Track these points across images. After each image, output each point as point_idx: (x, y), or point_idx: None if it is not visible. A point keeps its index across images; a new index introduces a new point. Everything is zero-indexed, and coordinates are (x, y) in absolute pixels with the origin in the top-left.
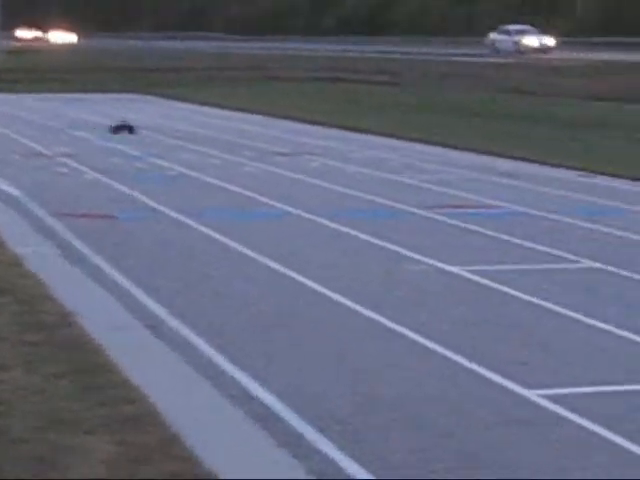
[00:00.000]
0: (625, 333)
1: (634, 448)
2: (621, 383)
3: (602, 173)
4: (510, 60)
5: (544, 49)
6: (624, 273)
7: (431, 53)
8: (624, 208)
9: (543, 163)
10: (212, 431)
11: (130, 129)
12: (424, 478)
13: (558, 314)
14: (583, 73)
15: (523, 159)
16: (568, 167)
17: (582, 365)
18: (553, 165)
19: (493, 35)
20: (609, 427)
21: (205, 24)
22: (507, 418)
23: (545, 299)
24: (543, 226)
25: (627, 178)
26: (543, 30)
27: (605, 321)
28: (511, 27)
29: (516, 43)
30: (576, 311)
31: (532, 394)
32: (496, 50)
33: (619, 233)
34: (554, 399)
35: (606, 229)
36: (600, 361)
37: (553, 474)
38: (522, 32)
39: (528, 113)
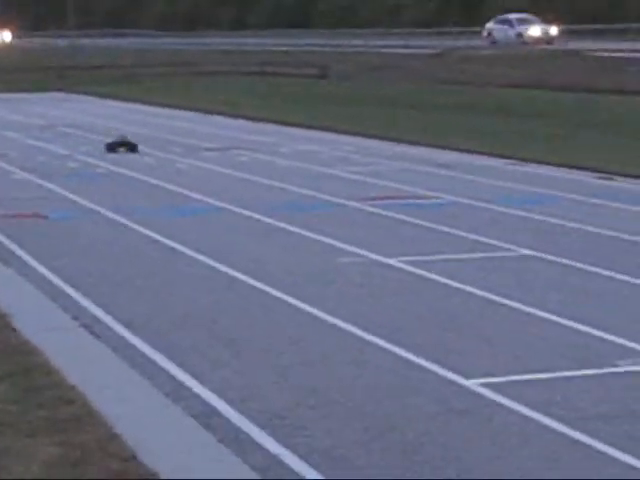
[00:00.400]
0: (562, 320)
1: (572, 433)
2: (558, 370)
3: (535, 161)
4: (441, 51)
5: (548, 39)
6: (560, 261)
7: (361, 45)
8: (559, 196)
9: (477, 153)
10: (152, 429)
11: (131, 147)
12: (368, 470)
13: (495, 303)
14: (510, 62)
15: (455, 149)
16: (501, 156)
17: (520, 353)
18: (486, 154)
19: (490, 25)
20: (547, 413)
21: (134, 21)
22: (448, 408)
23: (482, 288)
24: (478, 216)
25: (559, 166)
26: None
27: (542, 309)
28: (512, 16)
29: (520, 34)
30: (513, 299)
31: (472, 383)
32: (493, 41)
33: (554, 221)
34: (493, 388)
35: (541, 217)
36: (537, 348)
37: (494, 462)
38: (525, 21)
39: (460, 103)
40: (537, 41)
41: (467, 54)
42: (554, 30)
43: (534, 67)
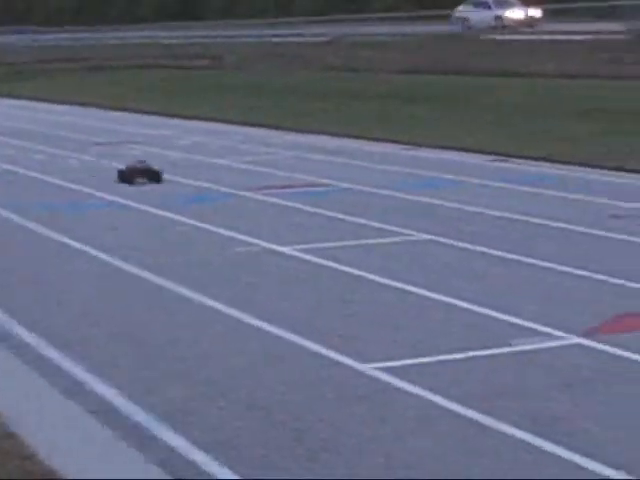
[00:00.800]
0: (460, 303)
1: (470, 413)
2: (455, 351)
3: (430, 146)
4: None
5: (531, 22)
6: (460, 245)
7: (253, 35)
8: (455, 179)
9: (371, 139)
10: (50, 427)
11: (153, 176)
12: (266, 458)
13: (391, 287)
14: (399, 47)
15: (348, 136)
16: (395, 141)
17: (418, 336)
18: (380, 140)
19: (463, 9)
20: (445, 395)
21: (23, 17)
22: (345, 393)
23: (380, 274)
24: (375, 202)
25: (455, 149)
26: None
27: (441, 292)
28: None
29: (499, 17)
30: (409, 283)
31: (369, 368)
32: (469, 26)
33: (452, 205)
34: (391, 372)
35: (439, 201)
36: (435, 331)
37: (392, 445)
38: (503, 3)
39: (352, 90)
40: (520, 24)
41: (360, 41)
42: (537, 12)
43: (431, 52)
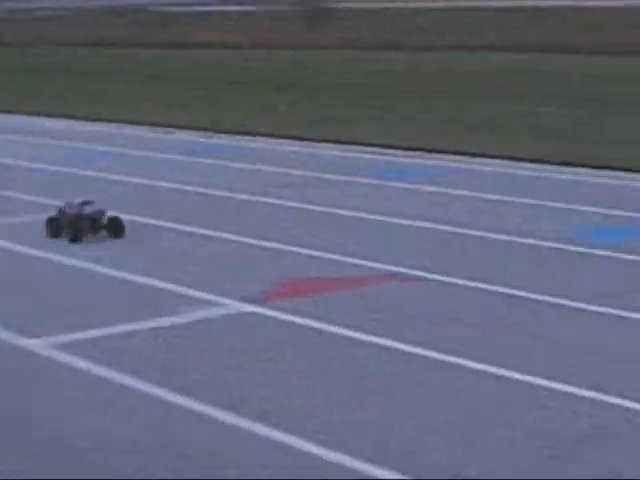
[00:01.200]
0: (122, 274)
1: (142, 386)
2: (119, 323)
3: (93, 120)
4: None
5: None
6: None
7: None
8: (114, 152)
9: (46, 115)
10: None
11: (115, 225)
12: None
13: (67, 266)
14: (77, 22)
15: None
16: (68, 116)
17: (81, 310)
18: (56, 116)
19: None
20: (112, 368)
21: None
22: (9, 368)
23: (42, 250)
24: (35, 178)
25: (122, 122)
26: None
27: (101, 264)
28: None
29: None
30: (70, 256)
31: (33, 343)
32: None
33: (115, 177)
34: (58, 347)
35: (92, 173)
36: (97, 304)
37: (68, 425)
38: None
39: (24, 65)
40: None
41: (34, 15)
42: None
43: (99, 25)
